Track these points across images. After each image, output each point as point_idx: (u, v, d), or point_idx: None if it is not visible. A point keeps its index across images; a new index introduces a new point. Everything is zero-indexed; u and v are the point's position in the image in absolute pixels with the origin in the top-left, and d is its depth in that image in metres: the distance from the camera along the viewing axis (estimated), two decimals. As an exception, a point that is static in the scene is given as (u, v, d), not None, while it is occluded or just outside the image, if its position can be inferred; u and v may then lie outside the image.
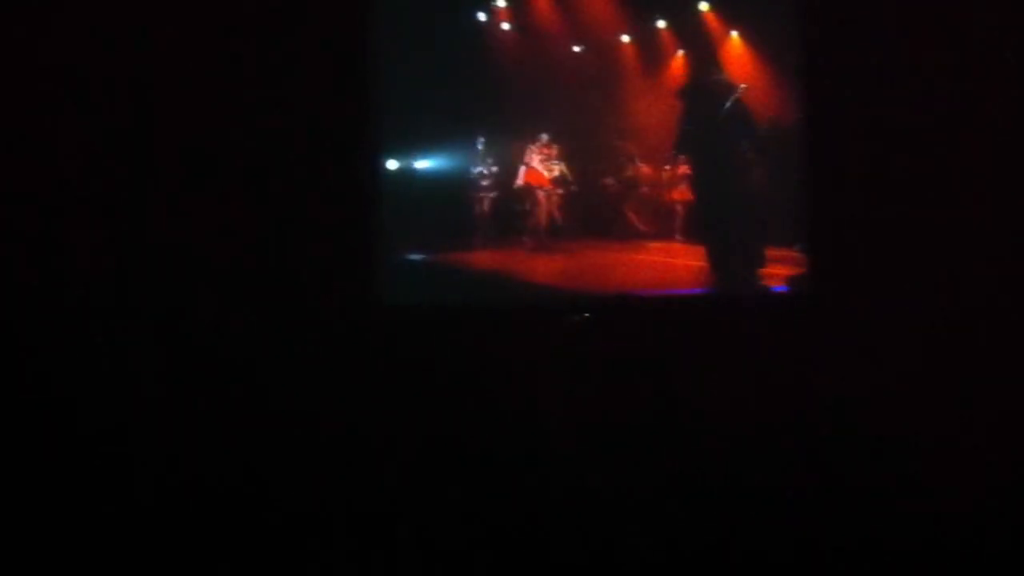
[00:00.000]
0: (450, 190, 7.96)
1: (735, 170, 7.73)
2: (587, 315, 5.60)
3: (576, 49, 8.27)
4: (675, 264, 8.09)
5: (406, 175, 7.70)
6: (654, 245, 8.31)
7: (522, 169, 8.30)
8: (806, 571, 3.85)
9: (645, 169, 8.43)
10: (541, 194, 8.29)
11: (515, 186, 8.29)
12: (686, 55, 8.21)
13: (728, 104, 7.66)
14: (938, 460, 4.68)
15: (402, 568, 3.88)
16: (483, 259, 8.09)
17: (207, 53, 6.58)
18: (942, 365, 5.97)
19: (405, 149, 7.67)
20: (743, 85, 7.72)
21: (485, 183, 8.23)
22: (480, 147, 8.15)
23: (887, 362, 6.09)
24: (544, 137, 8.29)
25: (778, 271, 7.57)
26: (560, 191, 8.30)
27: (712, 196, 7.85)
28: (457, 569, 3.87)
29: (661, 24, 8.23)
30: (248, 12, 6.67)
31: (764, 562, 3.89)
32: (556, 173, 8.33)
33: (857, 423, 5.36)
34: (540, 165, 8.32)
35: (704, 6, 7.99)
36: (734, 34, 7.97)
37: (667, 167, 8.26)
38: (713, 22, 8.02)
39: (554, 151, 8.32)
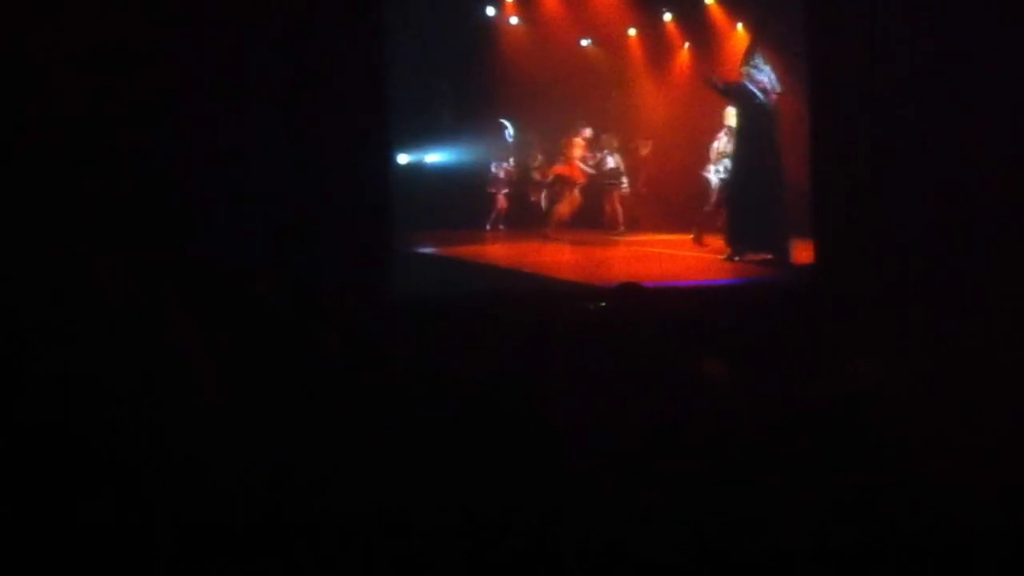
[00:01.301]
0: (460, 183, 8.02)
1: (772, 163, 7.81)
2: (603, 303, 5.71)
3: (584, 43, 8.36)
4: (686, 256, 8.24)
5: (417, 169, 7.77)
6: (661, 237, 8.44)
7: (561, 160, 8.40)
8: (818, 566, 3.94)
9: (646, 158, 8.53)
10: (570, 187, 8.37)
11: (550, 175, 8.39)
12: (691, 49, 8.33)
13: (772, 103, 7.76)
14: (944, 452, 4.76)
15: (409, 563, 3.96)
16: (495, 251, 8.17)
17: (222, 50, 6.66)
18: (948, 357, 6.04)
19: (416, 143, 7.73)
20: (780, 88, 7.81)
21: (496, 176, 8.26)
22: (493, 140, 8.19)
23: (893, 352, 6.17)
24: (588, 131, 8.37)
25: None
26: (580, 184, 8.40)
27: (752, 188, 7.93)
28: (466, 564, 3.96)
29: (668, 17, 8.33)
30: (262, 9, 6.74)
31: (772, 558, 3.98)
32: (589, 168, 8.43)
33: (864, 413, 5.44)
34: (579, 161, 8.41)
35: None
36: (739, 26, 8.07)
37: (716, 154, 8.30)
38: (718, 15, 8.11)
39: (594, 144, 8.44)
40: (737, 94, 7.96)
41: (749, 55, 7.87)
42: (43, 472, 4.31)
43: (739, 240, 7.96)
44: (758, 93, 7.79)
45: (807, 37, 7.30)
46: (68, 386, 5.29)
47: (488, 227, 8.27)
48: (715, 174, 8.33)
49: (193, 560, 3.76)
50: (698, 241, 8.32)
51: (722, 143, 8.32)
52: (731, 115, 8.18)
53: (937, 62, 6.71)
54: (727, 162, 8.25)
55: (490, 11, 8.13)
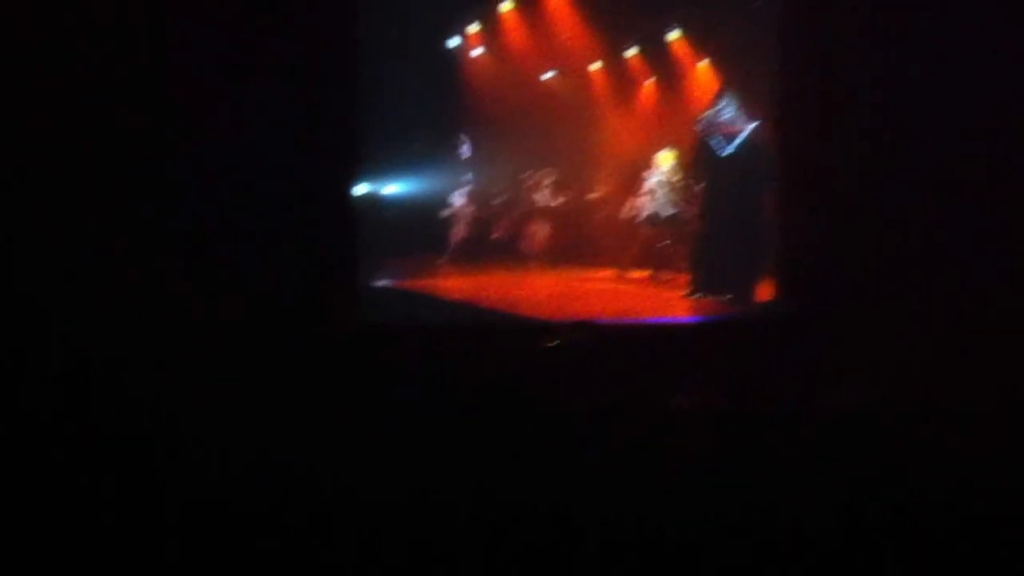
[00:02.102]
0: (428, 212, 7.92)
1: (743, 199, 7.79)
2: (556, 342, 5.62)
3: (547, 76, 8.34)
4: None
5: (385, 197, 7.65)
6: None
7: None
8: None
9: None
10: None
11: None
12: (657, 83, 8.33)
13: (742, 138, 7.73)
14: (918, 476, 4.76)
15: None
16: (464, 284, 8.01)
17: (187, 83, 6.60)
18: (916, 387, 6.05)
19: (385, 172, 7.62)
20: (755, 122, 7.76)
21: (461, 205, 8.10)
22: (462, 170, 8.08)
23: (858, 384, 6.16)
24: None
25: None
26: None
27: (721, 222, 7.88)
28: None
29: (631, 52, 8.33)
30: (226, 42, 6.67)
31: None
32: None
33: (827, 443, 5.42)
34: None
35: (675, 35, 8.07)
36: (704, 63, 8.07)
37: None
38: (683, 50, 8.12)
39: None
40: (706, 135, 7.94)
41: (718, 96, 7.90)
42: (51, 457, 4.25)
43: (702, 277, 7.88)
44: (724, 135, 7.82)
45: (776, 70, 7.29)
46: (76, 373, 5.24)
47: (448, 257, 8.15)
48: (646, 208, 8.30)
49: (203, 542, 3.70)
50: (656, 279, 8.30)
51: (662, 173, 8.27)
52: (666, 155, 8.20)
53: (908, 90, 6.74)
54: (660, 199, 8.28)
55: (454, 42, 8.12)
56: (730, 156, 7.80)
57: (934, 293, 6.56)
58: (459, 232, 8.19)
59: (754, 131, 7.76)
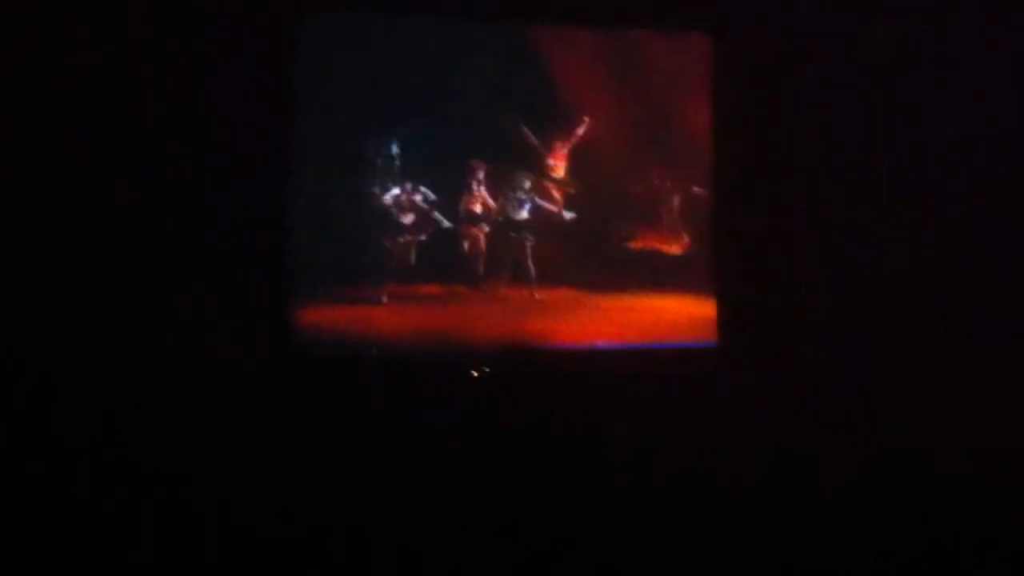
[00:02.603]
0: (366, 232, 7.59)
1: None
2: (486, 369, 5.51)
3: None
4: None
5: (318, 214, 7.35)
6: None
7: None
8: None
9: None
10: None
11: None
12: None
13: None
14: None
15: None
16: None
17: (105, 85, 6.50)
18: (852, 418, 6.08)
19: (319, 181, 7.33)
20: None
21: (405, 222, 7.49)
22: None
23: (795, 416, 6.16)
24: None
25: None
26: None
27: None
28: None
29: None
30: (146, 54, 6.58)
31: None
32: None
33: (760, 477, 5.43)
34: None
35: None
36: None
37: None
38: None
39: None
40: None
41: None
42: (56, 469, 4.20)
43: None
44: None
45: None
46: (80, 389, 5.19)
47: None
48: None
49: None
50: None
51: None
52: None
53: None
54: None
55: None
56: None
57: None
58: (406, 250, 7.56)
59: None
